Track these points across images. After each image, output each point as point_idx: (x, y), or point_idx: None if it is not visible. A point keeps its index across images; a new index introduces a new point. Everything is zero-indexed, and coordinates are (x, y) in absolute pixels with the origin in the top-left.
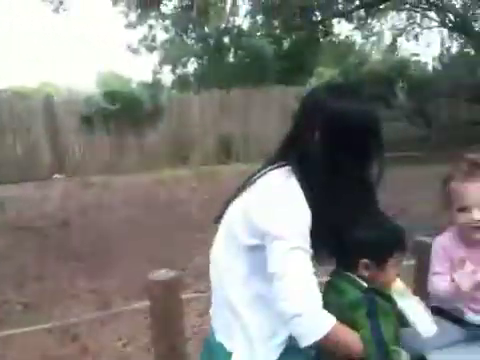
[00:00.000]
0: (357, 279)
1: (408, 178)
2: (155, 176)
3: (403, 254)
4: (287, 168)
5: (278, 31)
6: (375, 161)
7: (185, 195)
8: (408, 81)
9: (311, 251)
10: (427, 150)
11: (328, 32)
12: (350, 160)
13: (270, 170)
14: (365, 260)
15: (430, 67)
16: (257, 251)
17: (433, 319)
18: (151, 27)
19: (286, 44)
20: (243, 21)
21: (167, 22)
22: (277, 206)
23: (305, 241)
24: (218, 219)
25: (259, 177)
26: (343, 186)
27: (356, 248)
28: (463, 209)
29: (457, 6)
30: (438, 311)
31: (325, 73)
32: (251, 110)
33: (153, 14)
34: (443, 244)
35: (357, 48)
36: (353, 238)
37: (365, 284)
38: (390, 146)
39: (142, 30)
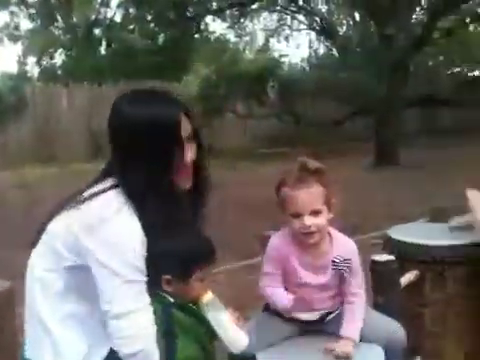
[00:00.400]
0: (165, 295)
1: (276, 174)
2: (17, 176)
3: (210, 267)
4: (119, 190)
5: (152, 25)
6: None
7: (49, 196)
8: (279, 81)
9: (145, 279)
10: (295, 147)
11: (201, 29)
12: (148, 166)
13: (103, 191)
14: (167, 276)
15: (299, 68)
16: (76, 270)
17: (264, 317)
18: (12, 14)
19: (160, 39)
20: (115, 13)
21: (33, 10)
22: (107, 235)
23: (137, 272)
24: (34, 244)
25: (90, 197)
26: (152, 196)
27: (158, 263)
28: (295, 215)
29: (323, 11)
30: (269, 309)
31: (201, 70)
32: None
33: (15, 1)
34: (276, 244)
35: (231, 46)
36: (155, 252)
37: (171, 299)
38: (262, 143)
39: (3, 17)
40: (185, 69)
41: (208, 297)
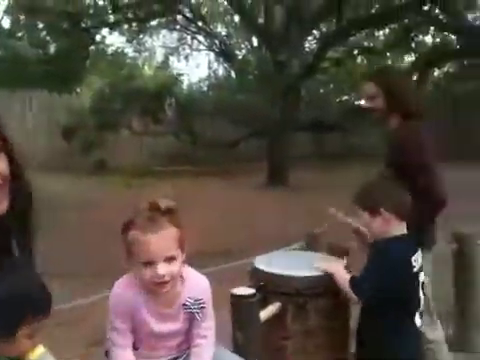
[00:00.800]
0: None
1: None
2: None
3: (43, 318)
4: None
5: (43, 34)
6: None
7: None
8: (177, 99)
9: None
10: (194, 166)
11: (96, 41)
12: None
13: None
14: None
15: (198, 87)
16: None
17: None
18: None
19: (52, 48)
20: (2, 18)
21: None
22: None
23: None
24: None
25: None
26: None
27: None
28: (147, 263)
29: (223, 33)
30: None
31: (95, 83)
32: (8, 115)
33: None
34: (121, 295)
35: (129, 61)
36: None
37: None
38: (160, 161)
39: None
40: (78, 81)
41: (38, 352)
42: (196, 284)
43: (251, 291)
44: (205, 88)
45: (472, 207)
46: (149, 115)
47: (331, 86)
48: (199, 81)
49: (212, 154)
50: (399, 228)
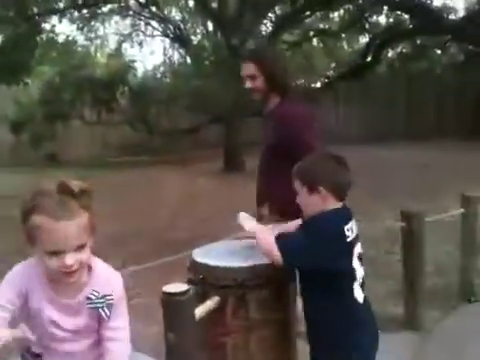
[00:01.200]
0: None
1: (128, 182)
2: None
3: None
4: None
5: None
6: None
7: None
8: (131, 87)
9: None
10: (148, 155)
11: (44, 30)
12: None
13: None
14: None
15: (152, 74)
16: None
17: None
18: None
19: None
20: None
21: None
22: None
23: None
24: None
25: None
26: None
27: None
28: (54, 253)
29: (177, 18)
30: None
31: (47, 73)
32: None
33: None
34: (21, 272)
35: (80, 49)
36: None
37: None
38: (115, 151)
39: None
40: (27, 72)
41: None
42: (105, 278)
43: (184, 288)
44: (160, 75)
45: (422, 185)
46: (102, 104)
47: None
48: (154, 68)
49: (170, 143)
50: (335, 206)
